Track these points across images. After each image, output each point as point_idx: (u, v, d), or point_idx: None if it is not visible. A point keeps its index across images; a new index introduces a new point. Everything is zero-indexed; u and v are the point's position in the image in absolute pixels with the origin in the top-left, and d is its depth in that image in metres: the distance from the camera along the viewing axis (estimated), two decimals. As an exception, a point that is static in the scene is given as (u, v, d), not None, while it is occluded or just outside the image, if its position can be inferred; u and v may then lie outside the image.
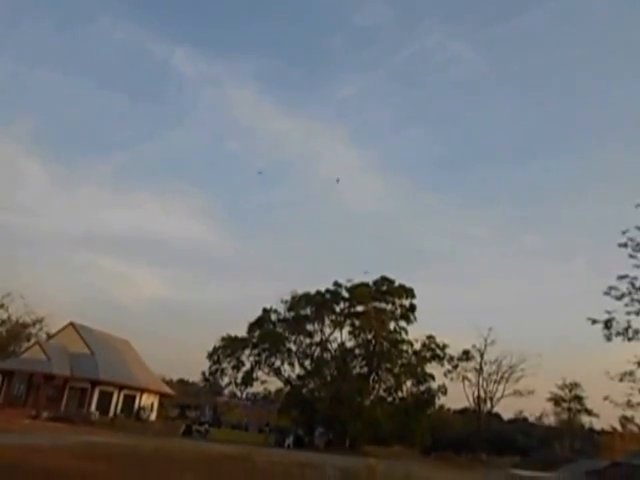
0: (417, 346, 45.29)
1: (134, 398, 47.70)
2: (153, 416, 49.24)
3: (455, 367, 48.36)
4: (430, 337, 45.55)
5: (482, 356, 50.27)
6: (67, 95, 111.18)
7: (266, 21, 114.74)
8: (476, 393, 51.27)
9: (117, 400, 45.29)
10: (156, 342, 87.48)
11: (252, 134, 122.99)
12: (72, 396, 42.77)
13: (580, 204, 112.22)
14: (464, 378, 49.89)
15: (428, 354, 45.13)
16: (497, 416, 60.59)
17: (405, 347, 45.08)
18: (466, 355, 49.41)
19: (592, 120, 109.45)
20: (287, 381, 46.13)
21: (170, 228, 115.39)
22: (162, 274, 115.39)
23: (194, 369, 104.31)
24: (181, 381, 71.94)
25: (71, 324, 45.98)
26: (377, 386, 45.07)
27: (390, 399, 44.74)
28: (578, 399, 57.39)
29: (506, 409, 67.24)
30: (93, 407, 42.77)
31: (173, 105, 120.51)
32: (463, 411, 59.45)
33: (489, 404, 52.35)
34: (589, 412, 57.47)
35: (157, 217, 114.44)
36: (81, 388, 42.83)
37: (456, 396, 51.74)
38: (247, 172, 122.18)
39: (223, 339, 45.81)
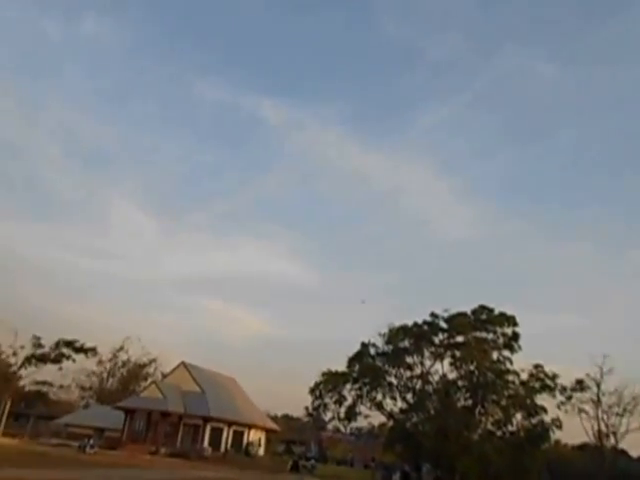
0: (524, 376, 43.10)
1: (243, 434, 49.49)
2: (261, 451, 50.67)
3: (569, 398, 45.35)
4: (538, 366, 43.26)
5: (599, 386, 46.70)
6: (170, 152, 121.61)
7: (345, 65, 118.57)
8: (596, 427, 47.51)
9: (227, 436, 47.23)
10: (260, 379, 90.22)
11: (338, 173, 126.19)
12: (186, 432, 45.28)
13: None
14: (580, 410, 46.55)
15: (537, 384, 42.78)
16: (624, 452, 55.47)
17: (511, 377, 43.08)
18: (580, 385, 46.18)
19: None
20: (390, 415, 45.67)
21: (267, 268, 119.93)
22: (263, 312, 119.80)
23: (297, 404, 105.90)
24: (285, 416, 73.34)
25: (182, 364, 48.97)
26: (484, 419, 43.25)
27: (499, 433, 42.69)
28: None
29: (635, 445, 61.34)
30: (205, 443, 44.94)
31: (263, 152, 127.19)
32: (583, 447, 55.18)
33: (613, 439, 48.20)
34: None
35: (254, 258, 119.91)
36: (194, 425, 45.24)
37: (573, 430, 48.22)
38: (336, 210, 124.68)
39: (324, 374, 46.34)
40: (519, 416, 42.36)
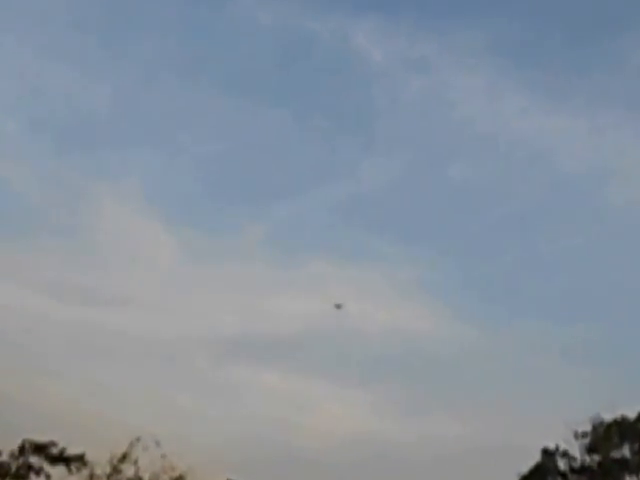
0: None
1: None
2: None
3: None
4: None
5: None
6: (196, 123, 79.16)
7: None
8: None
9: None
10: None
11: (488, 146, 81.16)
12: None
13: None
14: None
15: None
16: None
17: None
18: None
19: None
20: None
21: (366, 318, 74.08)
22: (360, 393, 72.70)
23: None
24: None
25: (229, 483, 30.92)
26: None
27: None
28: None
29: None
30: None
31: (359, 115, 77.32)
32: None
33: None
34: None
35: (345, 300, 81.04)
36: None
37: None
38: (489, 214, 74.11)
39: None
40: None
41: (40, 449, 34.07)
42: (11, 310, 62.10)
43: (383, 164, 75.85)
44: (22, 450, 33.83)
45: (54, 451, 34.37)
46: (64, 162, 71.39)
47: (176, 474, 38.34)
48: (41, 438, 34.17)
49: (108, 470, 38.14)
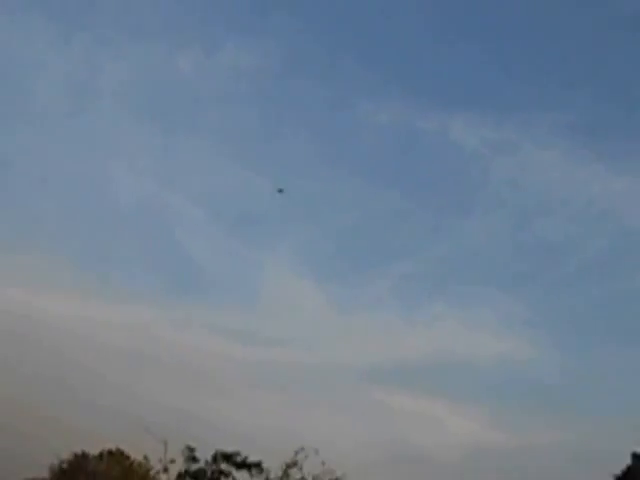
0: None
1: None
2: None
3: None
4: None
5: None
6: (333, 199, 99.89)
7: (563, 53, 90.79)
8: None
9: None
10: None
11: (568, 207, 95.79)
12: None
13: None
14: None
15: None
16: None
17: None
18: None
19: None
20: None
21: (480, 350, 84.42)
22: (473, 410, 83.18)
23: None
24: None
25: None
26: None
27: None
28: None
29: None
30: None
31: (459, 188, 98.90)
32: None
33: None
34: None
35: (459, 337, 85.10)
36: None
37: None
38: (571, 261, 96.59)
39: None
40: None
41: (228, 458, 40.96)
42: (204, 351, 77.77)
43: (480, 227, 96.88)
44: (215, 458, 41.48)
45: (238, 459, 41.06)
46: (235, 237, 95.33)
47: (334, 477, 46.28)
48: (228, 449, 42.13)
49: (280, 474, 46.15)
